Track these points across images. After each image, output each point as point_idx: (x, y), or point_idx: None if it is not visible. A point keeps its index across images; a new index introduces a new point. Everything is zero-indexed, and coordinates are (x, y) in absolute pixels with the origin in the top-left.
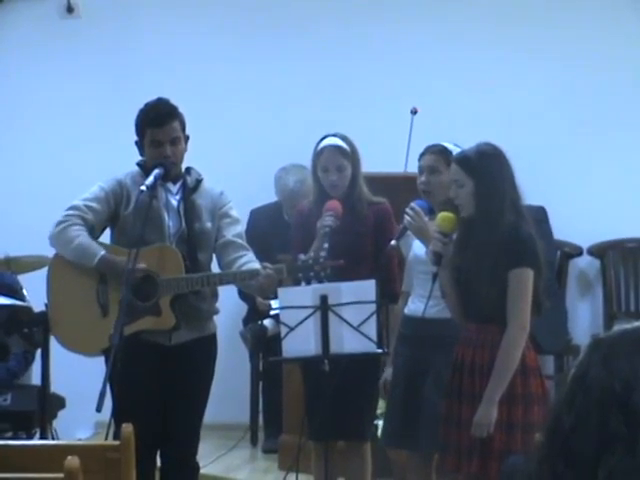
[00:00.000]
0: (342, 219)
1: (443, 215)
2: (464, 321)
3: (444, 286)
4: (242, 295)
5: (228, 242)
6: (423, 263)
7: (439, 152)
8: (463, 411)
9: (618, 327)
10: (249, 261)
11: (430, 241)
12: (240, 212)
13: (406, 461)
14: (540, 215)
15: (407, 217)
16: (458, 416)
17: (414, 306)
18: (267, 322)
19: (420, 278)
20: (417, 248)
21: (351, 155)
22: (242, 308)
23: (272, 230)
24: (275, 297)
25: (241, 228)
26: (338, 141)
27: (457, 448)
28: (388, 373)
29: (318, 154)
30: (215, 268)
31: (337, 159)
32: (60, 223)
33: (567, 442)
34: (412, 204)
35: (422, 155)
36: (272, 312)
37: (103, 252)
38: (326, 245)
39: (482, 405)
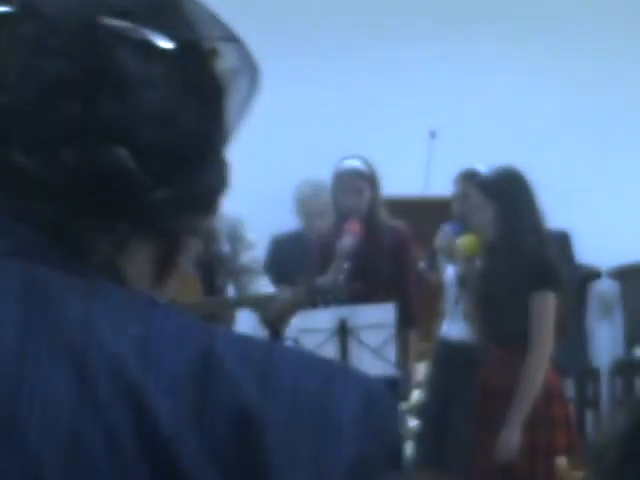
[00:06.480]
0: (360, 241)
1: (466, 238)
2: (488, 344)
3: (468, 310)
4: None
5: (243, 266)
6: (455, 286)
7: (469, 178)
8: (487, 435)
9: None
10: (263, 285)
11: None
12: (258, 237)
13: None
14: (563, 241)
15: (438, 240)
16: (482, 440)
17: (447, 328)
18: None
19: (452, 301)
20: (450, 271)
21: (370, 178)
22: (260, 332)
23: (294, 258)
24: None
25: (257, 252)
26: (357, 164)
27: (482, 472)
28: (423, 395)
29: (337, 177)
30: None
31: (356, 182)
32: None
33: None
34: (444, 227)
35: (455, 181)
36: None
37: None
38: (346, 265)
39: (505, 429)
